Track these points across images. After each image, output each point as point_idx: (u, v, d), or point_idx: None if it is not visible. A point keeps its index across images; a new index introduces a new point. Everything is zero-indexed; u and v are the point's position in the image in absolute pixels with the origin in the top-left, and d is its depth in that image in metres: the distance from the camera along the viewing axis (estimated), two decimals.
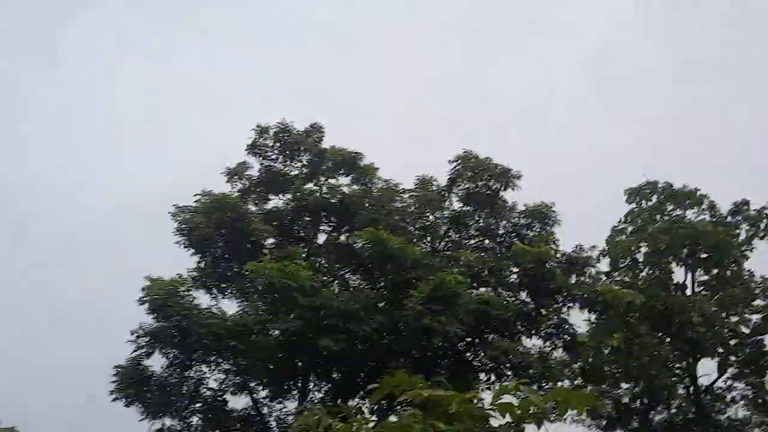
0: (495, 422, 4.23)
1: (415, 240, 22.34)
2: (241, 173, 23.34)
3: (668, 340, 27.14)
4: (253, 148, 23.41)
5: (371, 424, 4.60)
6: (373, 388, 4.56)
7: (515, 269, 21.19)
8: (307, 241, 23.56)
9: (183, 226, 20.61)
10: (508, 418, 4.14)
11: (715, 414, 27.58)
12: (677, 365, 27.93)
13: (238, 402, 21.02)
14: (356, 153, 23.06)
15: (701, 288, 28.98)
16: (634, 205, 30.84)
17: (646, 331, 25.91)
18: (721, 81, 59.88)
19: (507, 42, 67.74)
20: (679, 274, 29.02)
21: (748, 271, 28.78)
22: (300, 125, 23.68)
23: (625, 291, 21.19)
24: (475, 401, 4.24)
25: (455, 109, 57.88)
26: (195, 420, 20.12)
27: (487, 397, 4.57)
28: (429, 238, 23.42)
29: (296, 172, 23.64)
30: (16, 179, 49.81)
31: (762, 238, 29.13)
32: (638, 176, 31.10)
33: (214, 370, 20.26)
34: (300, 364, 20.30)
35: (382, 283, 21.08)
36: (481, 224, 23.15)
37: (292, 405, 20.92)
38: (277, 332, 19.20)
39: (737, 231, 29.39)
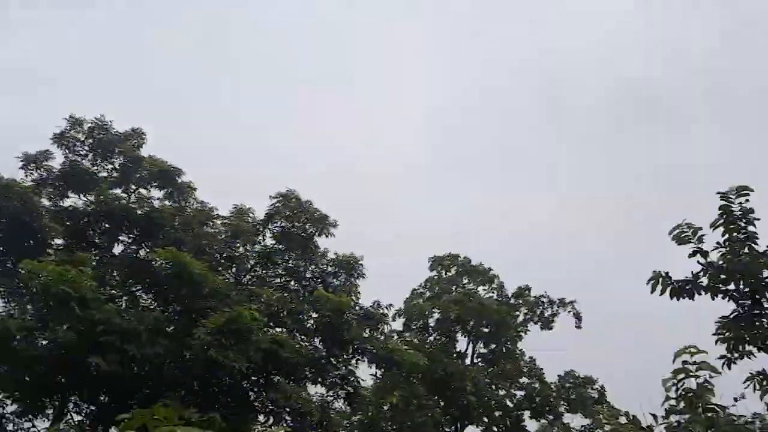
0: None
1: (219, 268, 21.66)
2: (40, 162, 21.14)
3: (443, 403, 28.78)
4: (61, 139, 21.42)
5: None
6: (123, 419, 4.14)
7: (314, 315, 21.32)
8: (101, 248, 21.78)
9: None
10: None
11: None
12: (447, 429, 29.62)
13: None
14: (175, 168, 22.07)
15: (479, 359, 31.40)
16: (435, 273, 33.00)
17: (424, 392, 27.26)
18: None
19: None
20: (462, 343, 31.28)
21: (520, 350, 31.80)
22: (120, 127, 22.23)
23: (412, 352, 22.22)
24: None
25: None
26: None
27: None
28: (234, 269, 22.86)
29: (105, 174, 21.98)
30: None
31: (536, 322, 32.48)
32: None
33: None
34: (64, 380, 18.33)
35: (175, 307, 20.01)
36: (290, 264, 23.15)
37: (43, 425, 18.73)
38: (44, 342, 17.24)
39: (517, 312, 32.52)
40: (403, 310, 30.43)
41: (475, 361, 31.21)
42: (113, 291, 20.06)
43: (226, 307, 18.13)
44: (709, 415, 6.10)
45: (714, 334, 8.62)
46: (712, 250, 8.80)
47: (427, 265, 33.00)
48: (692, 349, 6.06)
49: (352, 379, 21.01)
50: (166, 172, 21.90)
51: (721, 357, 8.45)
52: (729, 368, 8.44)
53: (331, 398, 20.98)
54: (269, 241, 23.08)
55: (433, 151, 68.96)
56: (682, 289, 9.04)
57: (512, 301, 32.94)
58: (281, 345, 18.88)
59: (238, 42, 67.37)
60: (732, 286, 8.77)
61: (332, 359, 21.05)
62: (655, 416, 6.47)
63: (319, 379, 20.83)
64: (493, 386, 30.37)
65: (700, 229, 8.92)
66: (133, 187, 22.07)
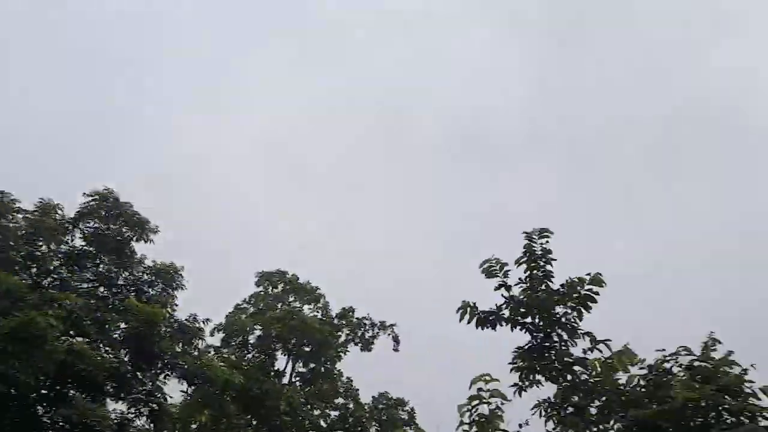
0: None
1: (16, 268, 19.35)
2: None
3: (255, 422, 28.02)
4: None
5: None
6: None
7: (123, 325, 19.77)
8: None
9: None
10: None
11: None
12: None
13: None
14: None
15: (297, 379, 31.12)
16: (261, 289, 32.30)
17: (237, 411, 26.36)
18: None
19: None
20: (282, 361, 30.81)
21: (338, 370, 32.04)
22: None
23: (226, 369, 21.41)
24: None
25: None
26: None
27: None
28: (34, 270, 20.55)
29: None
30: None
31: (356, 344, 32.97)
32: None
33: None
34: None
35: None
36: (100, 269, 21.30)
37: None
38: None
39: (339, 333, 32.80)
40: (223, 325, 29.32)
41: (294, 380, 30.89)
42: None
43: (19, 311, 16.21)
44: None
45: (509, 363, 9.21)
46: (515, 285, 9.46)
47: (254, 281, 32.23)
48: (487, 377, 6.39)
49: (159, 395, 19.73)
50: None
51: (514, 385, 9.04)
52: (520, 395, 9.05)
53: (133, 415, 19.48)
54: (79, 242, 21.10)
55: (268, 167, 68.17)
56: (487, 320, 9.60)
57: (336, 321, 33.17)
58: (79, 356, 17.25)
59: None
60: (529, 319, 9.47)
61: (138, 373, 19.62)
62: None
63: (122, 395, 19.29)
64: (309, 406, 30.22)
65: (506, 264, 9.57)
66: None
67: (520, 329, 9.48)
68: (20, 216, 20.24)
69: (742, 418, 7.41)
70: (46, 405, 18.33)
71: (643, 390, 8.57)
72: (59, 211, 20.76)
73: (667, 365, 8.78)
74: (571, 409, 8.73)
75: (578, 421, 8.41)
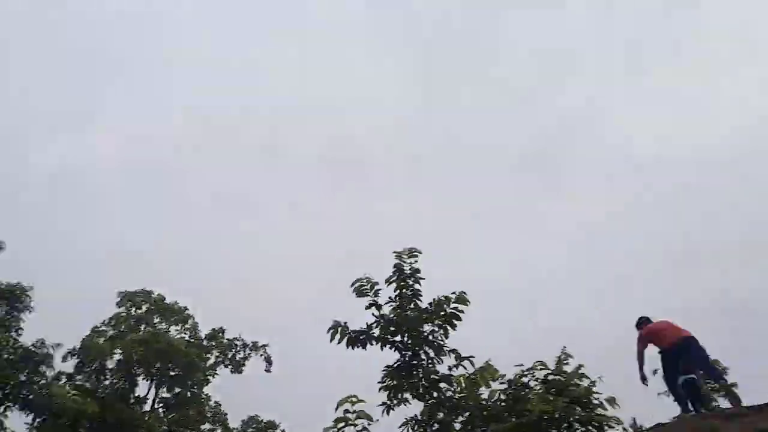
0: None
1: None
2: None
3: None
4: None
5: None
6: None
7: None
8: None
9: None
10: None
11: None
12: None
13: None
14: None
15: (161, 405, 29.40)
16: (123, 310, 30.30)
17: None
18: None
19: None
20: (144, 387, 29.00)
21: (206, 394, 30.70)
22: None
23: (79, 398, 19.76)
24: None
25: None
26: None
27: None
28: None
29: None
30: None
31: (227, 366, 31.80)
32: None
33: None
34: None
35: None
36: None
37: None
38: None
39: (208, 355, 31.47)
40: (78, 350, 27.08)
41: (157, 406, 29.15)
42: None
43: None
44: None
45: (379, 383, 9.25)
46: (385, 303, 9.56)
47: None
48: (353, 398, 6.34)
49: None
50: None
51: (383, 404, 9.08)
52: (388, 414, 9.10)
53: None
54: None
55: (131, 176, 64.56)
56: (357, 339, 9.59)
57: (205, 342, 31.83)
58: None
59: None
60: (398, 338, 9.58)
61: None
62: None
63: None
64: None
65: (377, 283, 9.65)
66: None
67: (390, 348, 9.57)
68: None
69: (590, 427, 7.90)
70: None
71: (503, 404, 8.92)
72: None
73: (525, 379, 9.22)
74: (436, 426, 8.91)
75: None
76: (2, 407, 17.74)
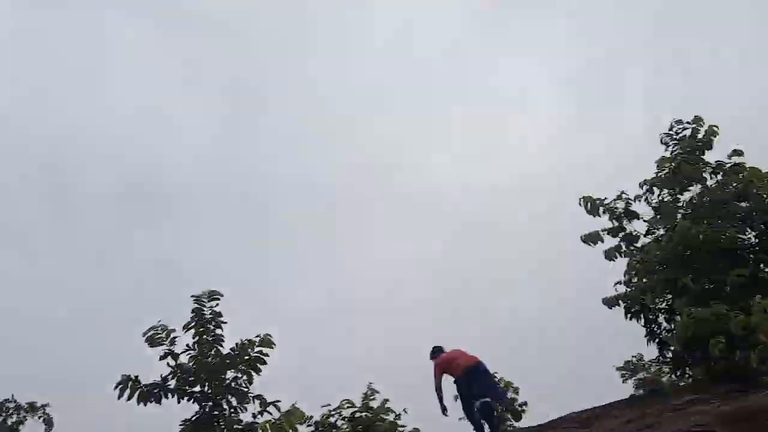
0: None
1: None
2: None
3: None
4: None
5: None
6: None
7: None
8: None
9: None
10: None
11: None
12: None
13: None
14: None
15: None
16: None
17: None
18: None
19: None
20: None
21: None
22: None
23: None
24: None
25: None
26: None
27: None
28: None
29: None
30: None
31: None
32: None
33: None
34: None
35: None
36: None
37: None
38: None
39: None
40: None
41: None
42: None
43: None
44: None
45: None
46: (182, 352, 8.90)
47: None
48: None
49: None
50: None
51: None
52: None
53: None
54: None
55: None
56: (151, 393, 8.78)
57: None
58: None
59: None
60: (198, 388, 8.94)
61: None
62: None
63: None
64: None
65: (174, 330, 8.96)
66: None
67: (188, 400, 8.90)
68: None
69: None
70: None
71: None
72: None
73: (332, 419, 9.13)
74: None
75: None
76: None
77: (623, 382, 14.55)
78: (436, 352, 8.65)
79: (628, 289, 9.05)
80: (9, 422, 27.88)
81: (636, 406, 7.17)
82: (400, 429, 8.64)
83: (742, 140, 9.10)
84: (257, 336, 9.00)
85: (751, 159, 8.93)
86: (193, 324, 9.04)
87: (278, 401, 8.94)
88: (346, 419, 8.98)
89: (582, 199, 9.54)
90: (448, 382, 8.51)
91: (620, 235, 9.42)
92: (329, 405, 9.21)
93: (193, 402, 8.85)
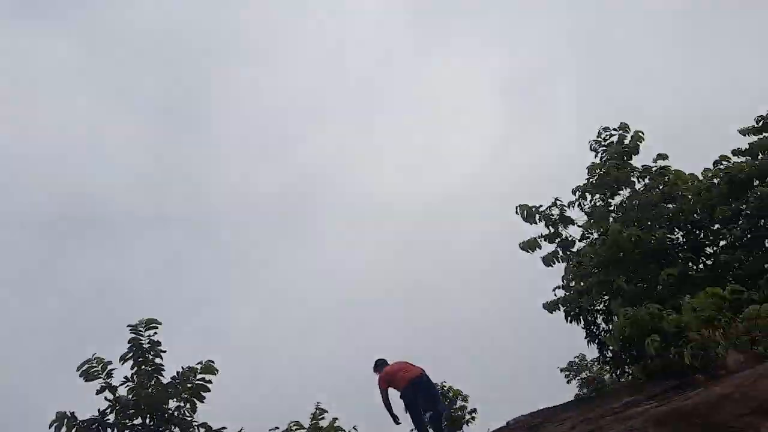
0: None
1: None
2: None
3: None
4: None
5: None
6: None
7: None
8: None
9: None
10: None
11: None
12: None
13: None
14: None
15: None
16: None
17: None
18: None
19: None
20: None
21: None
22: None
23: None
24: None
25: None
26: None
27: None
28: None
29: None
30: None
31: None
32: None
33: None
34: None
35: None
36: None
37: None
38: None
39: None
40: None
41: None
42: None
43: None
44: None
45: None
46: (120, 384, 8.56)
47: None
48: None
49: None
50: None
51: None
52: None
53: None
54: None
55: None
56: (89, 429, 8.42)
57: None
58: None
59: None
60: (139, 420, 8.62)
61: None
62: None
63: None
64: None
65: (110, 363, 8.61)
66: None
67: None
68: None
69: None
70: None
71: None
72: None
73: None
74: None
75: None
76: None
77: (567, 382, 14.88)
78: (380, 365, 8.47)
79: (567, 293, 9.27)
80: None
81: (581, 408, 7.33)
82: None
83: (666, 145, 9.52)
84: (199, 363, 8.74)
85: (675, 162, 9.34)
86: (130, 354, 8.71)
87: (224, 428, 8.72)
88: None
89: (518, 208, 9.73)
90: (395, 393, 8.43)
91: (557, 240, 9.66)
92: (277, 428, 9.03)
93: None
